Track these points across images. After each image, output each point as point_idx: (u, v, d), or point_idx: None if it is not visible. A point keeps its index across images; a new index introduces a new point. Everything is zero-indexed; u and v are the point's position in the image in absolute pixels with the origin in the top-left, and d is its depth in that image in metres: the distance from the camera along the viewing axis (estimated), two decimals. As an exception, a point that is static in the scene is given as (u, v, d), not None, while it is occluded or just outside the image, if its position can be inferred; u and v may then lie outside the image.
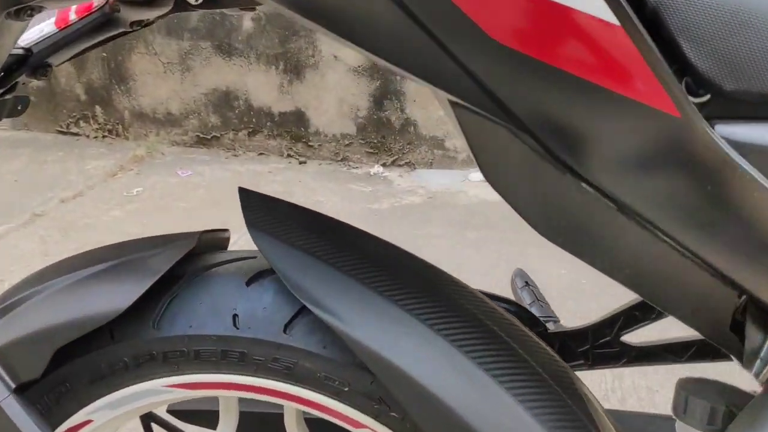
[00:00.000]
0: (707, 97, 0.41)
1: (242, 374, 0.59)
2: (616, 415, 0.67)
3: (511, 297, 0.90)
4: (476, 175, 2.98)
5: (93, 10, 0.69)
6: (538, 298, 0.89)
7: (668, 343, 0.77)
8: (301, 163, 3.25)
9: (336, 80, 3.09)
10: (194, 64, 3.23)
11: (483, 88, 0.40)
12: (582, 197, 0.44)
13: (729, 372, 0.60)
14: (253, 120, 3.27)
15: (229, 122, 3.31)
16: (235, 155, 3.33)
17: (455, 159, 3.08)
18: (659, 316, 0.75)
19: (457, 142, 3.06)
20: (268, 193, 0.65)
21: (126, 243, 0.67)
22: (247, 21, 3.10)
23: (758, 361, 0.47)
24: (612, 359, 0.79)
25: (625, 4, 0.38)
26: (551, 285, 1.81)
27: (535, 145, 0.43)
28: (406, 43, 0.40)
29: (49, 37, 0.69)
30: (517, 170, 0.46)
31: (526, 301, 0.90)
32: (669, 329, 0.82)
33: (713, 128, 0.41)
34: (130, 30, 0.71)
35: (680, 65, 0.40)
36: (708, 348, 0.75)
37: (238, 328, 0.58)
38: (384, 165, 3.15)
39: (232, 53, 3.17)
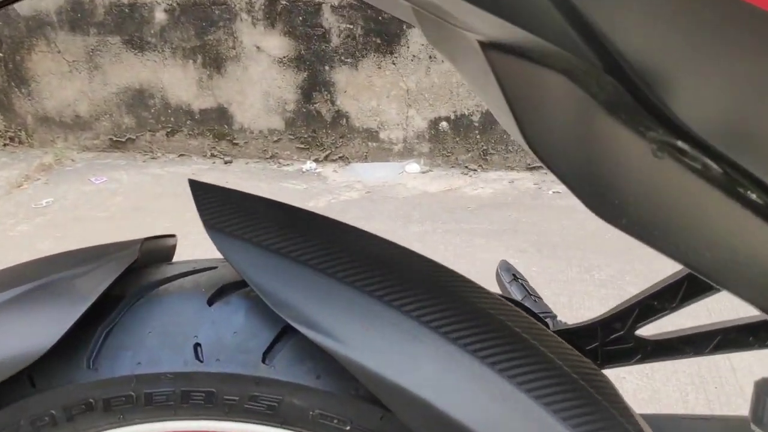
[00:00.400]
0: None
1: (210, 419, 0.48)
2: (679, 420, 0.58)
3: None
4: (413, 167, 2.89)
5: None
6: (530, 293, 0.80)
7: (688, 335, 0.68)
8: (226, 162, 3.08)
9: (260, 73, 2.93)
10: (103, 61, 3.01)
11: (569, 10, 0.29)
12: (664, 164, 0.34)
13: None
14: (172, 119, 3.08)
15: (144, 123, 3.10)
16: (154, 158, 3.14)
17: (391, 150, 2.97)
18: (680, 305, 0.66)
19: (392, 133, 2.96)
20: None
21: (46, 260, 0.52)
22: (159, 12, 2.90)
23: None
24: (625, 356, 0.70)
25: None
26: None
27: (614, 92, 0.32)
28: None
29: None
30: (573, 129, 0.35)
31: (516, 296, 0.80)
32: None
33: None
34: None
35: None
36: (732, 338, 0.67)
37: (202, 362, 0.47)
38: (317, 160, 3.02)
39: (145, 48, 2.96)
